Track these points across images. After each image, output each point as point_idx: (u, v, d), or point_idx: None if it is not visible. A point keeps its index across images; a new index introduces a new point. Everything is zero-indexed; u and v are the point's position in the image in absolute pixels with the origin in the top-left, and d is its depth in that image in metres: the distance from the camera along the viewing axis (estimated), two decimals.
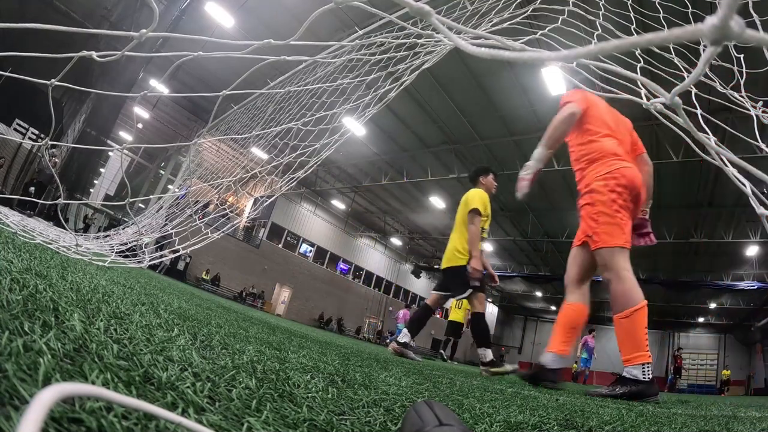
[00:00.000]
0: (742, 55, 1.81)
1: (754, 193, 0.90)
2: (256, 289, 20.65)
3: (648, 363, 2.25)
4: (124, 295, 1.44)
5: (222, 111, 9.06)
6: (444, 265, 4.02)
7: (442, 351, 10.61)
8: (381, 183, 17.61)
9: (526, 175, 2.54)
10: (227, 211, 3.75)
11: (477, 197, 3.87)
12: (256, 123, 5.48)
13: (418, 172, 16.26)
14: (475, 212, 3.80)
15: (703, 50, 0.36)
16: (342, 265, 26.01)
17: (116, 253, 3.45)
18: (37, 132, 12.35)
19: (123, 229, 6.45)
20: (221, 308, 3.39)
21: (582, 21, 2.33)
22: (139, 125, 19.32)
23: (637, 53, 1.64)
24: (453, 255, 3.90)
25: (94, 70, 11.02)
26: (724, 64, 1.88)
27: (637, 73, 0.75)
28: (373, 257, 27.95)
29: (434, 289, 4.15)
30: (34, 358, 0.44)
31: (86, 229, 14.45)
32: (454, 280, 3.89)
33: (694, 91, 1.38)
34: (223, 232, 2.97)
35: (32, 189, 10.86)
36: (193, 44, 10.21)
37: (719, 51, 0.33)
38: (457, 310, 10.12)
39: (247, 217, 19.58)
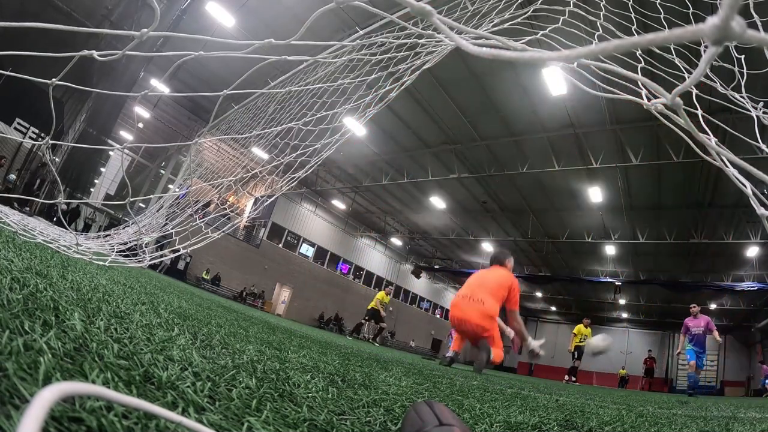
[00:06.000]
0: (743, 56, 1.80)
1: (754, 193, 0.90)
2: (257, 288, 20.64)
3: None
4: (124, 294, 1.44)
5: (223, 111, 9.06)
6: None
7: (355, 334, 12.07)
8: (381, 183, 17.61)
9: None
10: (228, 210, 3.75)
11: None
12: (257, 123, 5.48)
13: (418, 172, 16.26)
14: None
15: (704, 51, 0.36)
16: (342, 265, 25.97)
17: (116, 252, 3.45)
18: (37, 131, 12.33)
19: (123, 228, 6.45)
20: (221, 308, 3.39)
21: (583, 21, 2.32)
22: (140, 125, 19.32)
23: (637, 53, 1.63)
24: None
25: (95, 70, 11.02)
26: (724, 64, 1.87)
27: (638, 73, 0.75)
28: (373, 257, 27.92)
29: None
30: (35, 357, 0.44)
31: (87, 229, 14.45)
32: None
33: (694, 91, 1.38)
34: (223, 231, 2.96)
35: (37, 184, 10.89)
36: (194, 44, 10.23)
37: (720, 51, 0.33)
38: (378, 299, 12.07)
39: (248, 216, 19.57)
